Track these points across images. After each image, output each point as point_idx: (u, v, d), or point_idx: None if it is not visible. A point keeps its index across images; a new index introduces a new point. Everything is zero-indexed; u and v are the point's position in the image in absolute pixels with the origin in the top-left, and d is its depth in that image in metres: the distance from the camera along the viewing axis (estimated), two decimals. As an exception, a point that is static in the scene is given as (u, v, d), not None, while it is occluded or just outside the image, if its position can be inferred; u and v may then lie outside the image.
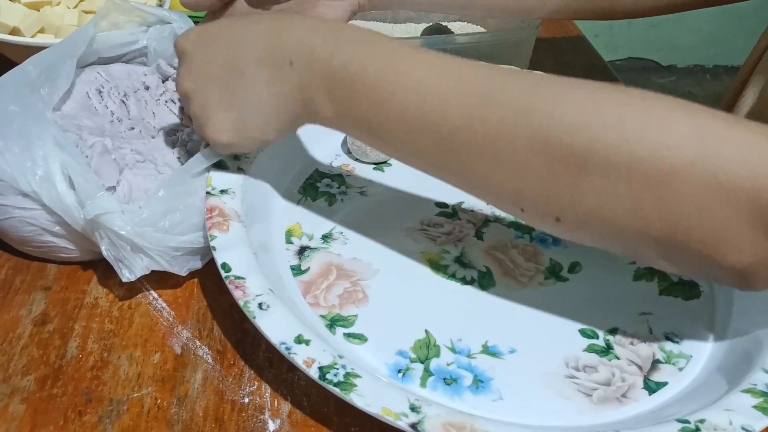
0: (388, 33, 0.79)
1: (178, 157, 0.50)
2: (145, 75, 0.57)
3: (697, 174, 0.33)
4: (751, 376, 0.40)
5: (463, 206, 0.55)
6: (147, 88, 0.56)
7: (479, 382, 0.42)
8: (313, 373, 0.37)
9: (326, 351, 0.39)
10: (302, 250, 0.50)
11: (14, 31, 0.60)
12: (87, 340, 0.43)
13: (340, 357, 0.38)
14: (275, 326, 0.39)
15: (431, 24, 0.77)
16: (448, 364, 0.43)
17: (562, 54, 0.83)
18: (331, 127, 0.44)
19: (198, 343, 0.44)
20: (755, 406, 0.38)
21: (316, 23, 0.42)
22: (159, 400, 0.40)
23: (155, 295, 0.46)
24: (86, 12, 0.65)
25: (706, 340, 0.47)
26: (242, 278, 0.42)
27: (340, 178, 0.57)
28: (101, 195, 0.42)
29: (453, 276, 0.49)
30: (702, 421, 0.37)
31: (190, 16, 0.60)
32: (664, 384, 0.43)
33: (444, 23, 0.81)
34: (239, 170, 0.49)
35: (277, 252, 0.49)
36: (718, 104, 0.67)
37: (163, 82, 0.57)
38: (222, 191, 0.47)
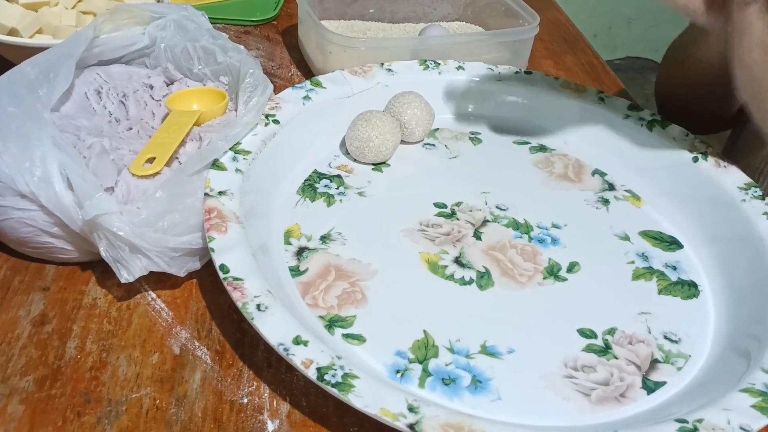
0: (387, 33, 0.79)
1: (177, 158, 0.50)
2: (149, 77, 0.57)
3: None
4: (749, 376, 0.41)
5: (462, 207, 0.55)
6: (151, 87, 0.56)
7: (478, 383, 0.42)
8: (311, 374, 0.37)
9: (324, 352, 0.39)
10: (301, 251, 0.50)
11: (12, 32, 0.60)
12: (85, 340, 0.43)
13: (339, 358, 0.39)
14: (273, 327, 0.39)
15: (430, 24, 0.77)
16: (446, 365, 0.43)
17: (561, 54, 0.83)
18: None
19: (197, 343, 0.44)
20: (753, 406, 0.38)
21: None
22: (158, 401, 0.40)
23: (154, 295, 0.46)
24: (84, 13, 0.65)
25: (705, 339, 0.47)
26: (240, 279, 0.42)
27: (338, 178, 0.57)
28: (99, 195, 0.42)
29: (451, 276, 0.49)
30: (700, 420, 0.37)
31: (196, 7, 0.60)
32: (663, 384, 0.43)
33: (443, 23, 0.81)
34: (237, 171, 0.49)
35: (275, 253, 0.49)
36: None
37: (168, 85, 0.57)
38: (220, 192, 0.47)
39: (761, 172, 0.59)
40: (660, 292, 0.50)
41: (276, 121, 0.55)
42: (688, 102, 0.66)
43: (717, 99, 0.67)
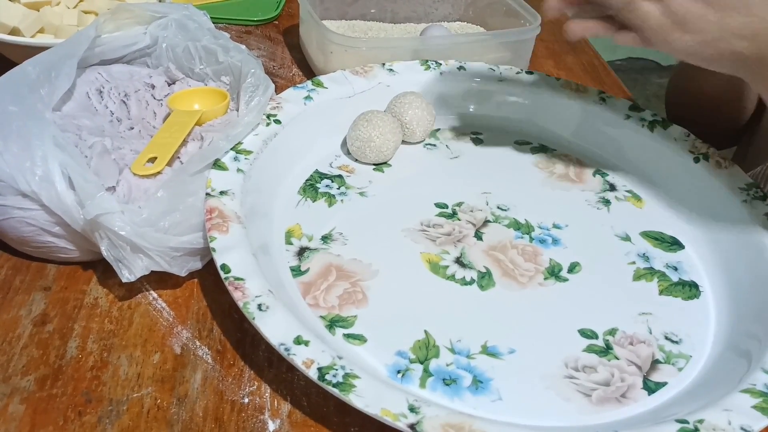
0: (388, 33, 0.79)
1: (178, 157, 0.50)
2: (150, 77, 0.57)
3: None
4: (750, 377, 0.41)
5: (463, 207, 0.55)
6: (153, 86, 0.56)
7: (478, 383, 0.42)
8: (312, 373, 0.37)
9: (325, 352, 0.39)
10: (302, 251, 0.50)
11: (14, 31, 0.60)
12: (87, 340, 0.43)
13: (340, 358, 0.39)
14: (274, 327, 0.39)
15: (431, 24, 0.77)
16: (447, 365, 0.43)
17: (562, 54, 0.83)
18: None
19: (198, 343, 0.44)
20: (754, 406, 0.38)
21: None
22: (159, 400, 0.40)
23: (155, 295, 0.46)
24: (86, 12, 0.65)
25: (706, 340, 0.47)
26: (242, 279, 0.42)
27: (339, 178, 0.57)
28: (101, 195, 0.42)
29: (452, 277, 0.49)
30: (701, 421, 0.37)
31: (198, 7, 0.60)
32: (664, 384, 0.43)
33: (444, 23, 0.81)
34: (239, 171, 0.49)
35: (276, 253, 0.49)
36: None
37: (169, 85, 0.57)
38: (221, 192, 0.47)
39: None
40: (661, 292, 0.50)
41: (277, 121, 0.55)
42: (696, 120, 0.67)
43: (723, 118, 0.67)
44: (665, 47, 0.47)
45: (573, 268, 0.51)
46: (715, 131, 0.68)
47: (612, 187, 0.59)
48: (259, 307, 0.40)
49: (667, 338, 0.46)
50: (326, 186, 0.56)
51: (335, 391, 0.37)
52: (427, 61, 0.66)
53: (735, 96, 0.66)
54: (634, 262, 0.52)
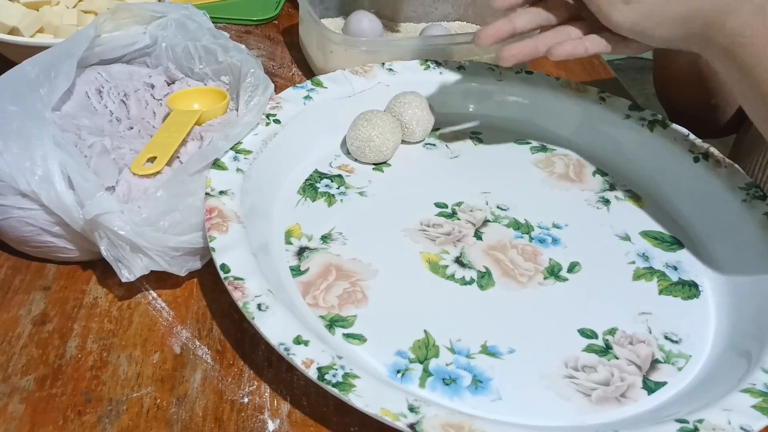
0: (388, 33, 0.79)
1: (178, 157, 0.50)
2: (150, 76, 0.57)
3: None
4: (750, 376, 0.41)
5: (462, 206, 0.55)
6: (152, 86, 0.56)
7: (478, 383, 0.42)
8: (312, 373, 0.37)
9: (325, 351, 0.39)
10: (301, 251, 0.50)
11: (13, 31, 0.60)
12: (86, 339, 0.43)
13: (339, 357, 0.39)
14: (274, 327, 0.39)
15: (431, 24, 0.77)
16: (447, 365, 0.43)
17: (561, 54, 0.83)
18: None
19: (197, 342, 0.44)
20: (754, 406, 0.38)
21: None
22: (158, 400, 0.40)
23: (154, 294, 0.46)
24: (85, 12, 0.65)
25: (705, 340, 0.47)
26: (241, 279, 0.42)
27: (339, 178, 0.57)
28: (100, 195, 0.42)
29: (452, 276, 0.49)
30: (701, 420, 0.37)
31: (197, 6, 0.60)
32: (663, 384, 0.43)
33: (444, 23, 0.81)
34: (238, 171, 0.49)
35: (276, 253, 0.49)
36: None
37: (169, 85, 0.57)
38: (221, 192, 0.47)
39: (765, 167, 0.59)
40: (661, 292, 0.50)
41: (277, 121, 0.55)
42: (685, 106, 0.67)
43: (709, 98, 0.67)
44: (611, 21, 0.50)
45: (573, 267, 0.51)
46: (707, 113, 0.67)
47: (612, 187, 0.59)
48: (259, 306, 0.40)
49: (666, 338, 0.46)
50: (326, 186, 0.56)
51: (335, 391, 0.37)
52: (426, 60, 0.65)
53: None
54: (633, 262, 0.52)
